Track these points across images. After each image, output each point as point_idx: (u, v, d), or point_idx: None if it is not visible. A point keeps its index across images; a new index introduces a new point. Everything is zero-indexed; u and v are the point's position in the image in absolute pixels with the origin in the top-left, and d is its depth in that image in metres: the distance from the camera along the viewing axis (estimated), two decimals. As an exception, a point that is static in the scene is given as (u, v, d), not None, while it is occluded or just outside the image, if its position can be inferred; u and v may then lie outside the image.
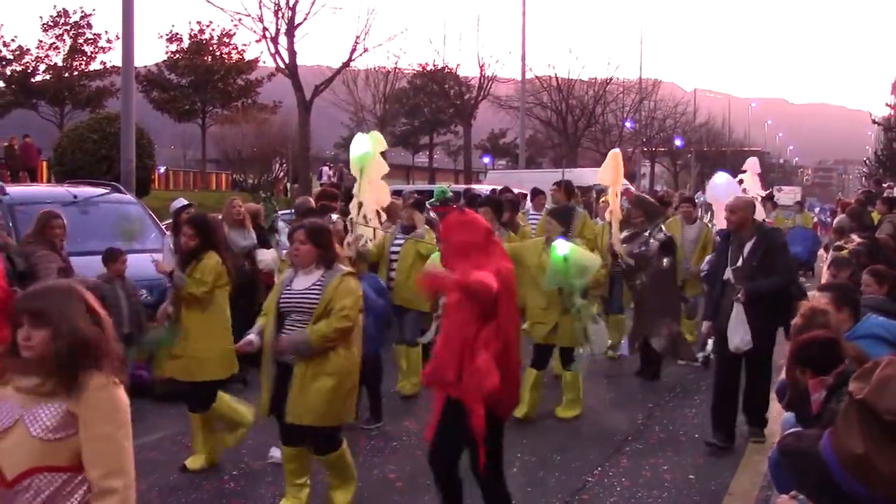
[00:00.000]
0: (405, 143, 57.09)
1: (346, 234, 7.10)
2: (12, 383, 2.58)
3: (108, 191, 10.65)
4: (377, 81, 40.50)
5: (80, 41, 38.05)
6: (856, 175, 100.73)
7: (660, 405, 7.87)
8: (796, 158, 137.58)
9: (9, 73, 37.14)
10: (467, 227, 4.41)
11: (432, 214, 9.30)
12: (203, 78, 40.51)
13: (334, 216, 8.13)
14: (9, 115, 37.76)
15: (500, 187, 15.98)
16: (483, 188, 18.58)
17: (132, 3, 14.42)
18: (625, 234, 8.66)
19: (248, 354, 5.27)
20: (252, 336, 5.01)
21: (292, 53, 28.72)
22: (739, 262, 6.32)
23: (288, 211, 12.12)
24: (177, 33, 41.23)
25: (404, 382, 7.87)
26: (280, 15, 28.52)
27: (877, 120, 44.94)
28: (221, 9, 29.14)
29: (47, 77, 37.90)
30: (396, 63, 39.44)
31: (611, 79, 46.96)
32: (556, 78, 45.29)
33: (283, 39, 28.67)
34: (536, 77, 44.07)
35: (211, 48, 41.12)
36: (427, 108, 52.59)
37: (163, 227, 10.31)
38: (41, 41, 37.78)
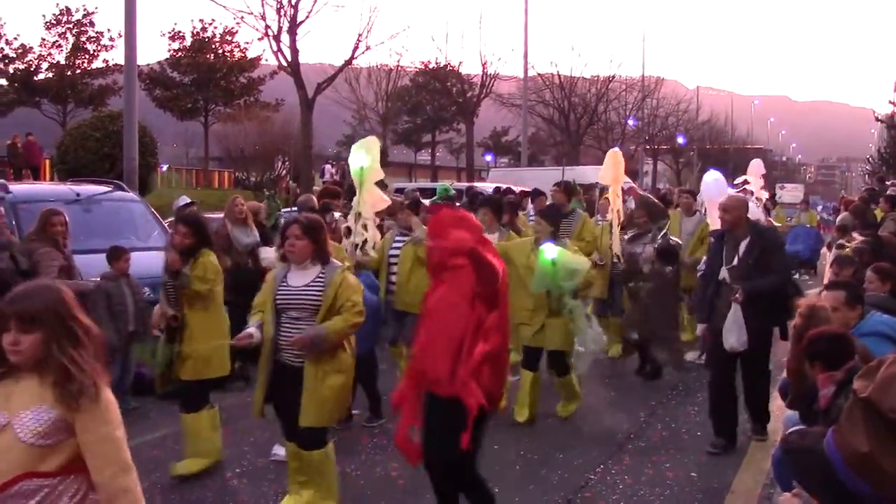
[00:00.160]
0: (407, 141, 57.09)
1: (349, 235, 7.09)
2: None
3: (110, 189, 10.65)
4: (379, 79, 40.56)
5: (83, 39, 38.02)
6: (859, 173, 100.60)
7: (662, 403, 7.86)
8: (799, 156, 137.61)
9: (12, 71, 37.13)
10: (463, 223, 4.40)
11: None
12: (205, 76, 40.51)
13: (336, 214, 8.14)
14: (12, 114, 37.77)
15: (504, 186, 15.99)
16: (485, 186, 18.58)
17: (134, 2, 14.39)
18: (629, 234, 8.67)
19: (247, 351, 5.24)
20: (252, 329, 4.88)
21: (295, 51, 28.73)
22: (735, 262, 6.25)
23: (290, 209, 12.13)
24: (179, 31, 41.26)
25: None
26: (282, 13, 28.56)
27: (880, 117, 44.81)
28: (224, 7, 29.20)
29: (50, 75, 37.89)
30: (399, 61, 39.59)
31: (613, 76, 47.02)
32: (559, 75, 45.35)
33: (285, 37, 28.71)
34: (539, 75, 44.12)
35: (213, 46, 41.09)
36: (429, 105, 52.56)
37: (165, 225, 10.31)
38: (44, 39, 37.79)
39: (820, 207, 34.89)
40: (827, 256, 11.99)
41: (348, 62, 31.65)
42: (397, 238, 7.61)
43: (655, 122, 55.30)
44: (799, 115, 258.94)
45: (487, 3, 54.18)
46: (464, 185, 21.44)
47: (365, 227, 7.17)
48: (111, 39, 37.79)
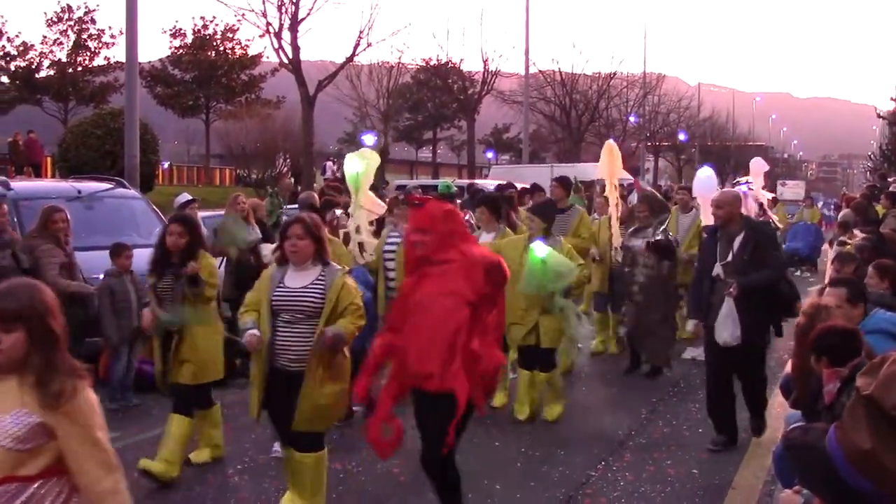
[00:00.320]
0: (408, 139, 57.04)
1: (348, 243, 7.14)
2: None
3: (112, 186, 10.66)
4: (381, 76, 40.49)
5: (84, 37, 38.06)
6: (860, 170, 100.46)
7: (663, 400, 7.86)
8: (801, 153, 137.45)
9: (13, 68, 37.19)
10: (451, 218, 4.39)
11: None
12: (207, 73, 40.53)
13: (338, 211, 8.13)
14: (13, 111, 37.82)
15: (504, 183, 15.95)
16: (487, 183, 18.55)
17: (136, -1, 14.37)
18: (631, 228, 8.67)
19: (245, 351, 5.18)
20: (256, 330, 4.68)
21: (296, 49, 28.71)
22: (729, 258, 6.21)
23: (292, 206, 12.12)
24: (180, 29, 41.30)
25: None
26: (283, 10, 28.54)
27: (882, 114, 44.73)
28: (225, 4, 29.14)
29: (51, 73, 37.93)
30: (400, 58, 39.49)
31: (614, 73, 47.00)
32: (560, 72, 45.30)
33: (286, 34, 28.67)
34: (540, 72, 44.06)
35: (214, 43, 41.12)
36: (430, 102, 52.50)
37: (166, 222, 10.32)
38: (45, 37, 37.86)
39: (821, 204, 34.87)
40: (828, 253, 12.00)
41: (349, 59, 31.60)
42: (391, 234, 7.54)
43: (657, 119, 55.24)
44: (800, 112, 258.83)
45: (489, 0, 54.00)
46: (465, 181, 21.39)
47: (357, 229, 7.23)
48: (112, 37, 37.88)
